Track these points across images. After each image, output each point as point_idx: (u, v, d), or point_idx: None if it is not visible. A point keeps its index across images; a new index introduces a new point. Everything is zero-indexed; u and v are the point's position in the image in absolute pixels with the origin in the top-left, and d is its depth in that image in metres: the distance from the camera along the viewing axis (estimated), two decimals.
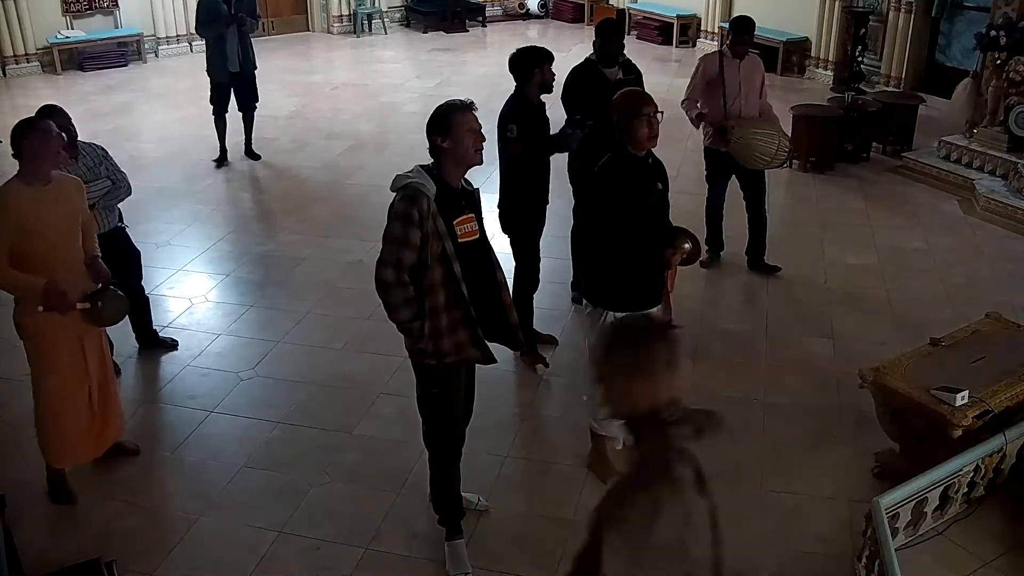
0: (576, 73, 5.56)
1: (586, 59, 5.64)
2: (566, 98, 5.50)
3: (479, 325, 3.63)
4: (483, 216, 3.71)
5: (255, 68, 8.46)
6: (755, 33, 6.29)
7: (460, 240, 3.53)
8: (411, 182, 3.45)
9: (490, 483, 4.34)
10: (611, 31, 5.61)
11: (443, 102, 3.57)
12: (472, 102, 3.56)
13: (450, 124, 3.47)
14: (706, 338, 5.62)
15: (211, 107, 8.47)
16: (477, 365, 3.84)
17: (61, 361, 4.07)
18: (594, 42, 5.62)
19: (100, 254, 4.22)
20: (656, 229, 4.08)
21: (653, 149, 4.10)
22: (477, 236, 3.63)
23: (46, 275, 3.87)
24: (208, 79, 8.40)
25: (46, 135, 3.89)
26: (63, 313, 3.92)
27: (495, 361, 3.78)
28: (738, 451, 4.58)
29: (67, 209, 4.03)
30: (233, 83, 8.33)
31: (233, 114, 8.54)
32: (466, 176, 3.66)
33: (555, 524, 4.10)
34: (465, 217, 3.58)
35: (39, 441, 4.20)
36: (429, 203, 3.42)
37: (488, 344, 3.69)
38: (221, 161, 8.62)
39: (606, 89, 5.02)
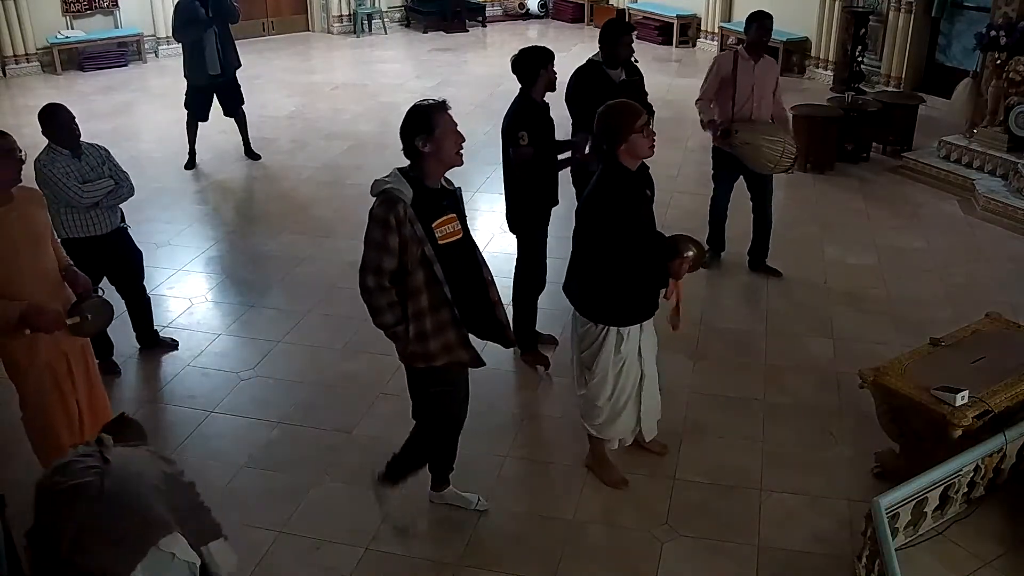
0: (580, 74, 5.49)
1: (589, 60, 5.57)
2: (571, 100, 5.45)
3: (466, 325, 3.65)
4: (466, 215, 3.71)
5: (238, 67, 8.40)
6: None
7: (442, 242, 3.52)
8: (388, 187, 3.44)
9: (490, 483, 4.34)
10: (619, 33, 5.49)
11: (418, 102, 3.51)
12: (445, 101, 3.52)
13: (434, 125, 3.42)
14: (706, 338, 5.62)
15: (186, 111, 8.41)
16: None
17: (41, 379, 3.93)
18: (601, 43, 5.50)
19: (72, 262, 4.10)
20: (653, 238, 4.06)
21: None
22: (460, 236, 3.62)
23: (23, 297, 3.72)
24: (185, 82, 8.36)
25: (3, 156, 3.70)
26: (50, 332, 3.79)
27: (484, 364, 3.80)
28: (738, 451, 4.59)
29: (32, 225, 3.85)
30: (214, 87, 8.29)
31: (219, 119, 8.54)
32: (446, 175, 3.63)
33: (555, 524, 4.11)
34: (446, 218, 3.56)
35: (33, 448, 4.18)
36: (405, 208, 3.40)
37: (476, 347, 3.72)
38: (190, 164, 8.55)
39: (611, 90, 5.07)
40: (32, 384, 3.95)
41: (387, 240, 3.40)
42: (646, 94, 5.67)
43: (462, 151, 3.52)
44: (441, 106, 3.47)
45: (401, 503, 4.08)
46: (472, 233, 3.75)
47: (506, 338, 3.84)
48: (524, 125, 4.86)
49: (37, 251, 3.87)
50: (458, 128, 3.51)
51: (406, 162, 3.55)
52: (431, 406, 3.81)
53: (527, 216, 5.13)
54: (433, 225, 3.50)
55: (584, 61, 5.59)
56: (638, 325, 4.10)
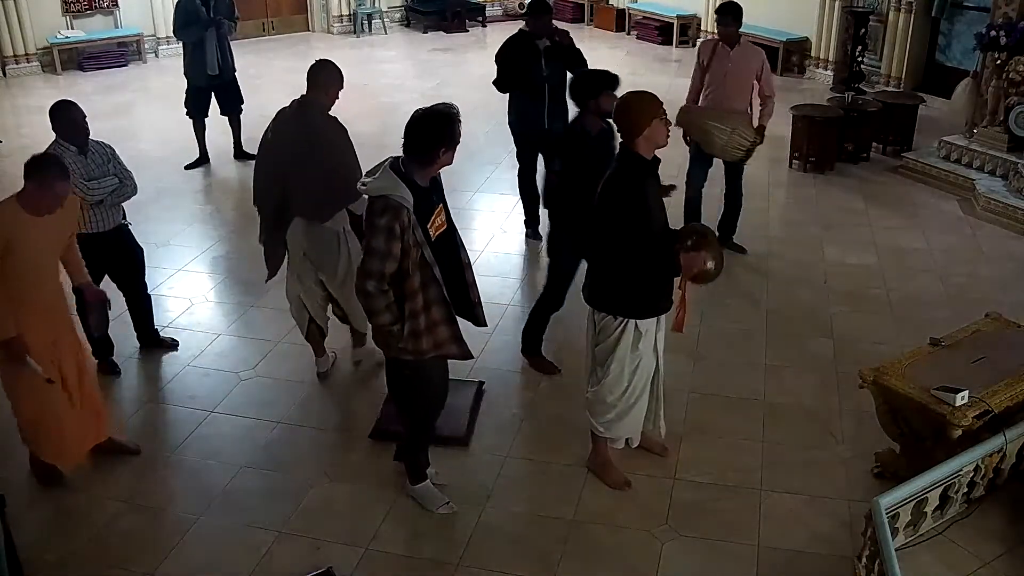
0: (512, 41, 6.47)
1: (520, 30, 6.55)
2: (500, 60, 6.52)
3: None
4: (445, 198, 3.84)
5: (235, 71, 8.46)
6: (751, 29, 6.35)
7: (434, 235, 3.67)
8: (391, 195, 3.51)
9: (490, 483, 4.34)
10: (540, 12, 6.39)
11: (439, 110, 3.58)
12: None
13: (454, 137, 3.58)
14: (706, 338, 5.62)
15: (187, 111, 8.44)
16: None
17: (30, 369, 3.98)
18: (527, 18, 6.53)
19: (90, 279, 4.32)
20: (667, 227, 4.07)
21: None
22: (446, 226, 3.79)
23: (29, 292, 3.89)
24: (185, 82, 8.38)
25: (57, 185, 3.81)
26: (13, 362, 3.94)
27: (472, 357, 3.97)
28: (738, 451, 4.59)
29: (59, 231, 4.03)
30: (213, 87, 8.32)
31: (219, 117, 8.56)
32: None
33: (555, 524, 4.11)
34: (436, 212, 3.71)
35: (22, 436, 4.24)
36: (409, 215, 3.52)
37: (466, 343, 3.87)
38: (201, 163, 8.57)
39: (536, 54, 6.29)
40: (19, 371, 4.00)
41: (391, 248, 3.51)
42: (578, 53, 6.36)
43: None
44: (458, 114, 3.61)
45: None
46: (470, 232, 3.80)
47: (476, 316, 3.98)
48: (561, 150, 4.87)
49: (54, 252, 4.06)
50: None
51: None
52: (405, 389, 3.96)
53: (565, 244, 4.94)
54: (428, 226, 3.63)
55: (516, 31, 6.58)
56: (655, 320, 4.09)
